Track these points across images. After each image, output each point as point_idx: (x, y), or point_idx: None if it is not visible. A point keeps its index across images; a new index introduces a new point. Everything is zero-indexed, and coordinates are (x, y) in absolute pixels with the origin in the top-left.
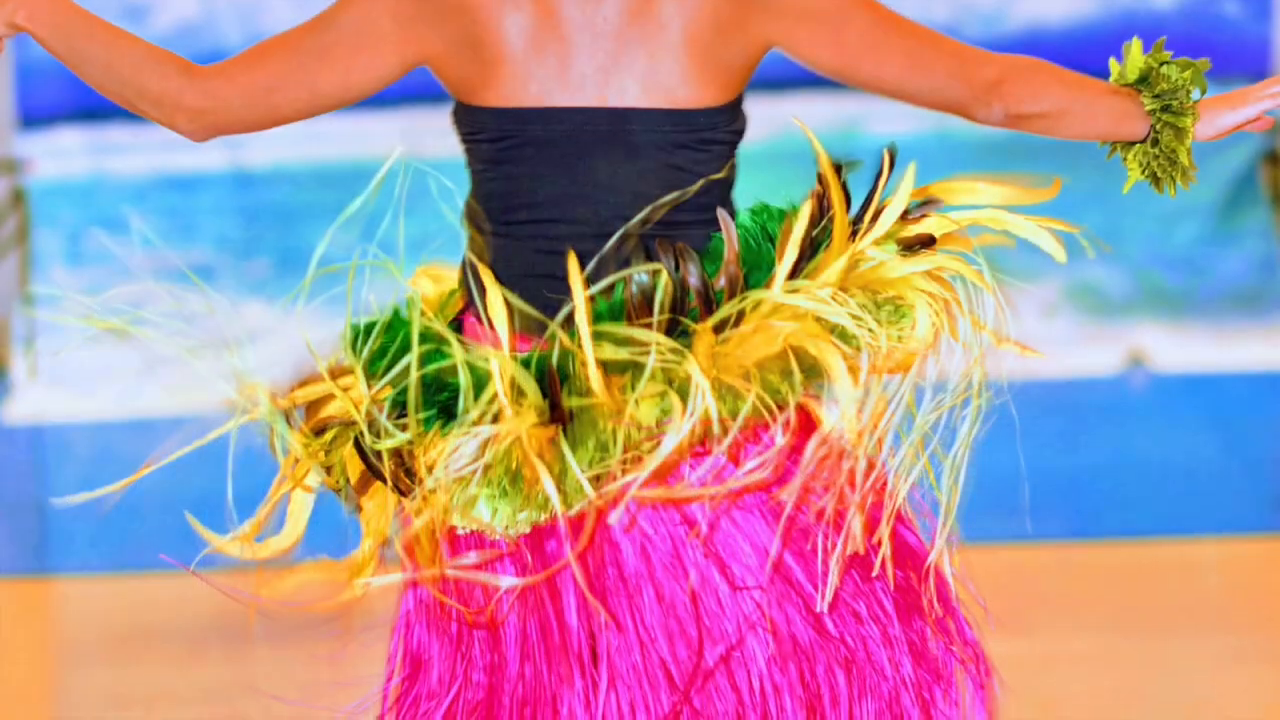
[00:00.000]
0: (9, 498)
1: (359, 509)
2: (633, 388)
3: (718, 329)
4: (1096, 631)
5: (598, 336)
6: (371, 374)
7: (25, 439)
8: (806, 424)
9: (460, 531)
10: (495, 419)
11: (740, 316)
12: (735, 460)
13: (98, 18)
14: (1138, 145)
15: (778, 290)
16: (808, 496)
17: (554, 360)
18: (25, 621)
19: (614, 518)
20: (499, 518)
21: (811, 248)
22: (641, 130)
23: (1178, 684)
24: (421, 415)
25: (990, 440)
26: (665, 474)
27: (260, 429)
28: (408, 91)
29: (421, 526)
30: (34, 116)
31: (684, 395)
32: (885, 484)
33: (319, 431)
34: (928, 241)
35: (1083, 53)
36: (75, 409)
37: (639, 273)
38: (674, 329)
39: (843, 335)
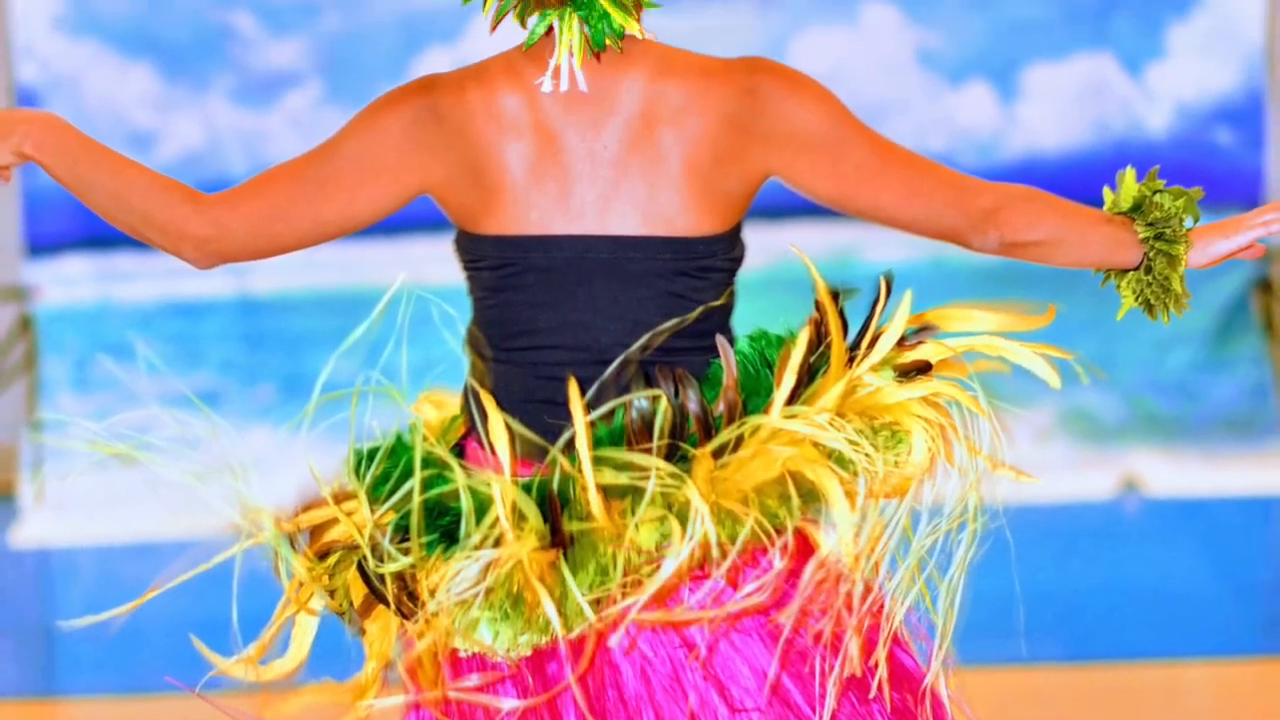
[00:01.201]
0: (16, 621)
1: (362, 632)
2: (633, 512)
3: (717, 454)
4: None
5: (598, 461)
6: (375, 498)
7: (32, 563)
8: (804, 548)
9: (462, 654)
10: (497, 543)
11: (739, 442)
12: (734, 583)
13: (104, 146)
14: (1131, 273)
15: (776, 416)
16: (805, 619)
17: (555, 485)
18: None
19: (614, 640)
20: (501, 640)
21: (809, 374)
22: (641, 258)
23: None
24: (424, 539)
25: (985, 563)
26: (665, 597)
27: (265, 553)
28: (410, 220)
29: (424, 649)
30: (41, 244)
31: (683, 519)
32: (882, 607)
33: (323, 555)
34: (924, 367)
35: (1077, 181)
36: (82, 533)
37: (639, 399)
38: (673, 454)
39: (840, 460)
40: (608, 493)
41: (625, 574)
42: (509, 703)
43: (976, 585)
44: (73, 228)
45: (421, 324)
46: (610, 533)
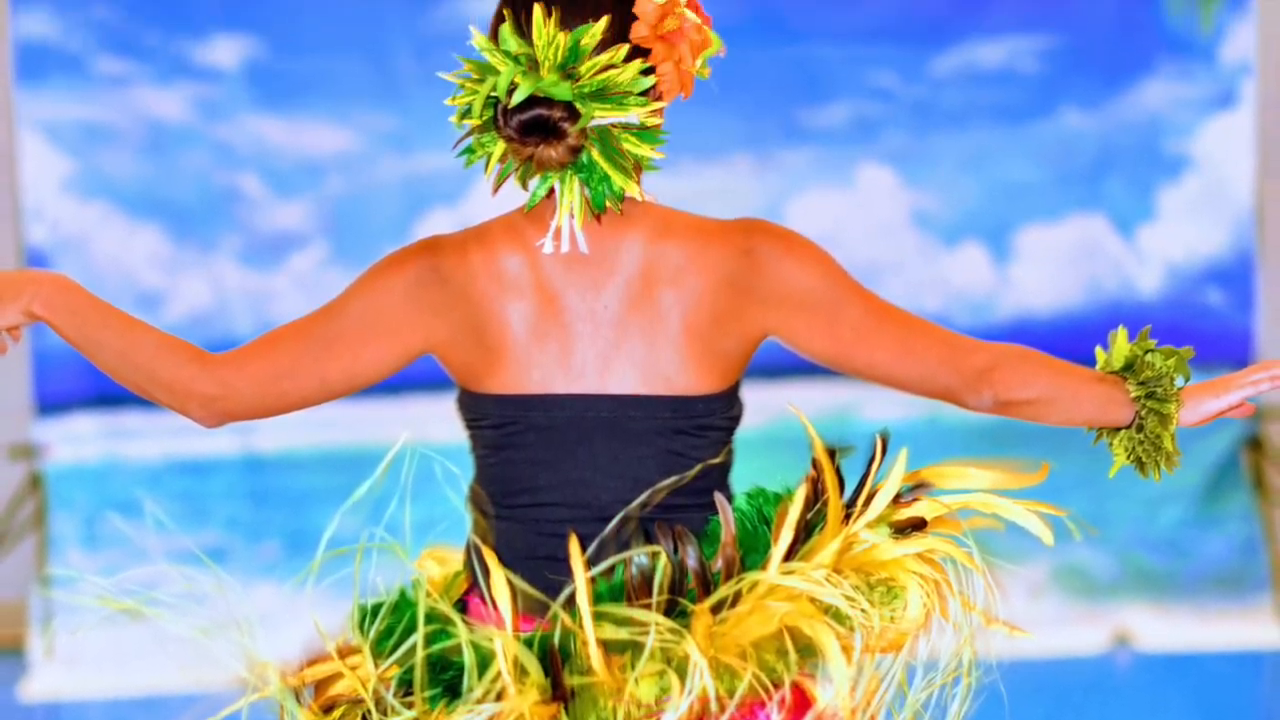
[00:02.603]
0: None
1: None
2: (633, 666)
3: (715, 609)
4: None
5: (598, 617)
6: (379, 653)
7: (42, 716)
8: (801, 702)
9: None
10: (499, 697)
11: (737, 597)
12: None
13: (112, 306)
14: (1123, 431)
15: (773, 572)
16: None
17: (556, 640)
18: None
19: None
20: None
21: (806, 531)
22: (641, 417)
23: None
24: (427, 693)
25: (979, 717)
26: None
27: (270, 707)
28: (413, 379)
29: None
30: (50, 403)
31: (682, 674)
32: None
33: (327, 709)
34: (919, 524)
35: (1070, 340)
36: (91, 687)
37: (639, 555)
38: (673, 609)
39: (837, 615)
40: (608, 647)
41: None
42: None
43: None
44: (81, 387)
45: (424, 481)
46: (610, 686)
